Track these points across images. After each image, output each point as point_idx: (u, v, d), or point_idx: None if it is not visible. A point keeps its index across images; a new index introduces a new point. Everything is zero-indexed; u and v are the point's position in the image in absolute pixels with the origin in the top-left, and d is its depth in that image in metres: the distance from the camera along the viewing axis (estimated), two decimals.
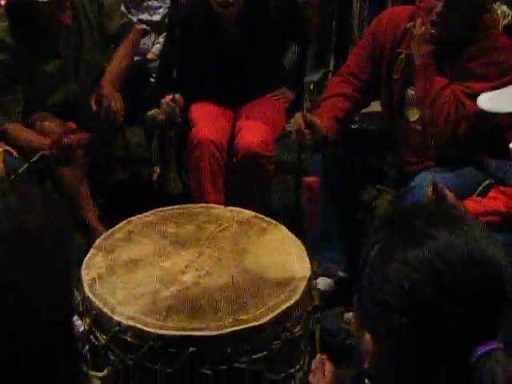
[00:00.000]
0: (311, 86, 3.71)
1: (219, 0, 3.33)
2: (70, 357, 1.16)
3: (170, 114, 3.48)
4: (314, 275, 2.84)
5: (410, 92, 2.99)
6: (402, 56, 2.99)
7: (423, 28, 2.83)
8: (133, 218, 2.56)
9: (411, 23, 2.91)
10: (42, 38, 3.32)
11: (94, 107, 3.35)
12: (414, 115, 3.01)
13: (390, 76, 3.04)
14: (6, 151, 3.12)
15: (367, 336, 1.25)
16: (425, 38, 2.83)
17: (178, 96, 3.42)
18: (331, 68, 4.61)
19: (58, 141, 3.17)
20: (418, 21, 2.86)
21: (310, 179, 2.78)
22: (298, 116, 2.98)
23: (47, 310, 1.08)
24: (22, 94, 3.35)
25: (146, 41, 4.41)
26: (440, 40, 2.83)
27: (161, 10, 4.55)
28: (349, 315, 2.97)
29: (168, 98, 3.44)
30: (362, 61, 3.14)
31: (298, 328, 2.11)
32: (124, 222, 2.54)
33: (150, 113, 3.81)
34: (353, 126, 3.55)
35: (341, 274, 3.18)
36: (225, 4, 3.33)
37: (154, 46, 4.54)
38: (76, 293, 2.85)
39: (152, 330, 1.96)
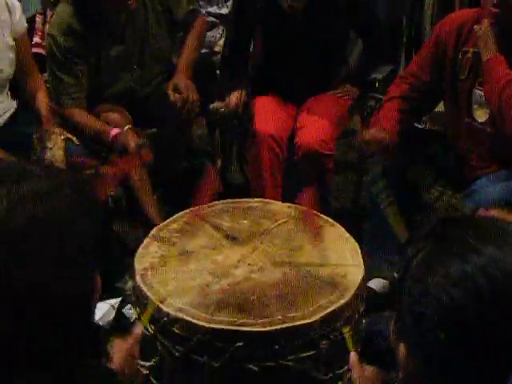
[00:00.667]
0: (376, 84, 3.69)
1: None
2: (89, 344, 1.17)
3: (234, 111, 3.51)
4: (369, 276, 2.83)
5: (478, 92, 2.92)
6: (469, 55, 2.93)
7: (490, 27, 2.78)
8: (189, 210, 2.57)
9: (478, 25, 2.85)
10: (107, 23, 3.34)
11: (172, 96, 3.34)
12: (482, 116, 2.94)
13: (456, 76, 2.99)
14: (67, 139, 3.15)
15: (402, 347, 1.22)
16: (491, 35, 2.77)
17: (243, 94, 3.44)
18: (402, 66, 4.56)
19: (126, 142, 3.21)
20: (485, 21, 2.81)
21: None
22: (360, 132, 2.98)
23: (64, 296, 1.09)
24: (87, 81, 3.38)
25: (214, 33, 4.41)
26: (504, 28, 2.76)
27: (229, 3, 4.55)
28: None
29: (234, 96, 3.45)
30: (424, 62, 3.10)
31: (347, 329, 2.09)
32: (180, 213, 2.56)
33: (213, 105, 3.82)
34: (417, 126, 3.50)
35: (397, 275, 3.12)
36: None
37: (222, 38, 4.55)
38: (131, 283, 2.89)
39: (200, 323, 1.97)
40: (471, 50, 2.91)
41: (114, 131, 3.20)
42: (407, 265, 1.22)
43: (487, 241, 1.16)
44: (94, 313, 1.21)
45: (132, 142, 3.14)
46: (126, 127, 3.23)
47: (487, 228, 1.22)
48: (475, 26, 2.85)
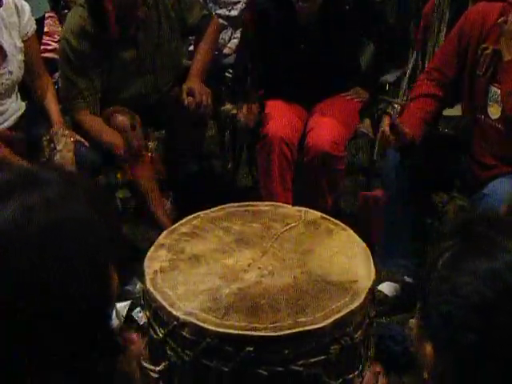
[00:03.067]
0: (386, 87, 3.67)
1: None
2: (106, 347, 1.17)
3: (245, 124, 3.50)
4: (379, 280, 2.82)
5: (494, 89, 2.91)
6: (488, 51, 2.91)
7: None
8: (199, 213, 2.56)
9: (502, 18, 2.83)
10: (120, 28, 3.34)
11: (187, 100, 3.35)
12: (496, 113, 2.93)
13: (474, 72, 2.97)
14: (77, 142, 3.15)
15: (428, 347, 1.21)
16: None
17: (254, 106, 3.43)
18: (409, 69, 4.54)
19: (129, 145, 3.22)
20: (511, 16, 2.79)
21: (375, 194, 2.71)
22: (385, 119, 2.95)
23: (82, 302, 1.09)
24: (100, 83, 3.38)
25: (223, 35, 4.41)
26: None
27: (238, 6, 4.54)
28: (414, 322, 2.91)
29: (245, 108, 3.44)
30: (447, 56, 3.09)
31: (358, 333, 2.07)
32: (190, 216, 2.54)
33: (224, 107, 3.82)
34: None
35: (407, 279, 3.12)
36: None
37: (231, 41, 4.55)
38: (140, 285, 2.88)
39: (210, 327, 1.96)
40: (491, 47, 2.89)
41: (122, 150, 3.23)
42: (433, 264, 1.20)
43: None
44: (113, 313, 1.21)
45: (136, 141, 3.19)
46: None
47: None
48: (500, 19, 2.83)
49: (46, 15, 4.27)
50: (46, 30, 4.23)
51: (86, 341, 1.12)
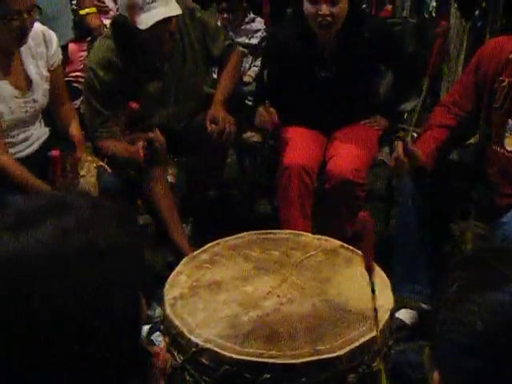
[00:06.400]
0: (405, 115, 3.68)
1: (320, 20, 3.34)
2: (138, 371, 1.18)
3: (263, 123, 3.52)
4: (397, 307, 2.82)
5: (511, 121, 2.93)
6: (505, 84, 2.93)
7: None
8: (220, 241, 2.59)
9: None
10: (146, 59, 3.39)
11: (210, 127, 3.38)
12: None
13: (491, 104, 2.99)
14: (100, 167, 3.19)
15: (436, 375, 1.23)
16: None
17: (272, 109, 3.46)
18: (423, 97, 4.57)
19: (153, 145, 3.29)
20: None
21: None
22: (398, 144, 2.97)
23: (115, 327, 1.11)
24: (124, 114, 3.42)
25: (243, 63, 4.46)
26: None
27: (259, 34, 4.60)
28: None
29: (261, 109, 3.47)
30: (465, 90, 3.10)
31: (376, 362, 2.08)
32: (211, 244, 2.57)
33: (244, 135, 3.85)
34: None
35: (424, 306, 3.12)
36: (325, 24, 3.34)
37: (251, 68, 4.59)
38: (159, 310, 2.90)
39: (228, 354, 1.98)
40: (507, 79, 2.92)
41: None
42: (442, 294, 1.23)
43: None
44: (141, 335, 1.22)
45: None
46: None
47: None
48: (511, 55, 2.86)
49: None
50: None
51: (120, 357, 1.13)
